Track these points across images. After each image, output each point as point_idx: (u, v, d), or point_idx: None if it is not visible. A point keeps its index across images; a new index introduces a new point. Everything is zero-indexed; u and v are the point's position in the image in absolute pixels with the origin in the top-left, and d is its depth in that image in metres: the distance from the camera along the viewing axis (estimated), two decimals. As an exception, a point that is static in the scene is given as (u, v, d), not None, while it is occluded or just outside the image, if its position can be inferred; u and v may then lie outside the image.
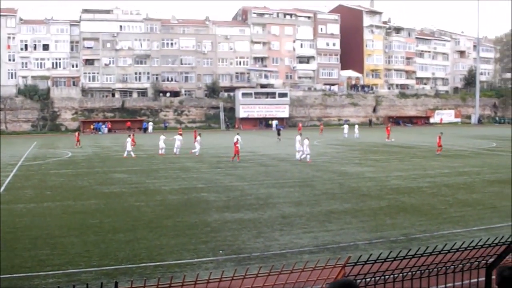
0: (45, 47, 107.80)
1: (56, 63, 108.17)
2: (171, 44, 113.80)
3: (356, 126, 76.97)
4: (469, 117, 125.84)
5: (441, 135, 48.55)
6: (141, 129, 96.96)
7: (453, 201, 23.82)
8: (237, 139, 47.13)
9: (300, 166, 39.12)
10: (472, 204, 23.14)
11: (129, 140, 48.20)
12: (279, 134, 71.74)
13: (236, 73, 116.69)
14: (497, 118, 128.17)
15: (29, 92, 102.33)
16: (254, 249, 15.91)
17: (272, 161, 42.93)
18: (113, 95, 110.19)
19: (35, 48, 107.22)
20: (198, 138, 49.75)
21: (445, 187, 28.08)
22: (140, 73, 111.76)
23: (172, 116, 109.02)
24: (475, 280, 7.29)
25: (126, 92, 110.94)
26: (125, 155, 47.03)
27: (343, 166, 38.92)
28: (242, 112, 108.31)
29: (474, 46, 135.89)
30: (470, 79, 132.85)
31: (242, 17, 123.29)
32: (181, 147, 50.58)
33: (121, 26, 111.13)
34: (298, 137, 44.27)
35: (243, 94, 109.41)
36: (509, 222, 19.33)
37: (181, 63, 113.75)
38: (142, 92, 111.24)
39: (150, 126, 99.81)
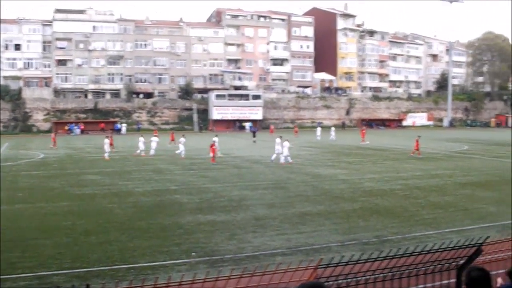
0: (17, 47, 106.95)
1: (28, 63, 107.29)
2: (145, 45, 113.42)
3: (332, 129, 77.17)
4: (441, 120, 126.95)
5: (418, 138, 48.91)
6: (113, 130, 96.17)
7: (425, 203, 23.99)
8: (214, 141, 47.06)
9: (274, 168, 39.15)
10: (444, 206, 23.32)
11: (107, 141, 47.95)
12: (254, 136, 71.73)
13: (210, 74, 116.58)
14: (468, 121, 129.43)
15: (0, 92, 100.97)
16: (227, 251, 15.88)
17: (245, 163, 42.91)
18: (86, 96, 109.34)
19: (6, 48, 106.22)
20: (182, 139, 49.50)
21: (418, 190, 28.28)
22: (113, 74, 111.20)
23: (145, 117, 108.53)
24: (447, 281, 7.35)
25: (99, 93, 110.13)
26: (106, 156, 46.75)
27: (317, 168, 39.02)
28: (216, 114, 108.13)
29: (447, 50, 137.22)
30: (442, 83, 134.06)
31: (216, 19, 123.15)
32: (156, 149, 50.60)
33: (94, 27, 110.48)
34: (278, 140, 44.36)
35: (217, 96, 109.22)
36: (480, 224, 19.54)
37: (155, 65, 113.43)
38: (115, 93, 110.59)
39: (123, 127, 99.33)
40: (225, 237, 17.63)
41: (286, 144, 42.34)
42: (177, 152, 48.81)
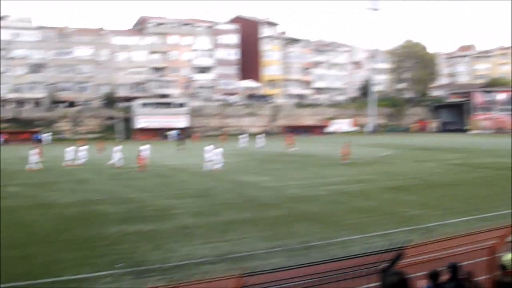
0: None
1: None
2: (67, 53, 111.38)
3: (260, 136, 77.53)
4: (364, 126, 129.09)
5: (348, 144, 49.61)
6: (33, 140, 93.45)
7: (350, 208, 24.30)
8: (142, 150, 46.52)
9: (200, 176, 38.99)
10: (369, 210, 23.67)
11: (34, 151, 46.62)
12: (181, 144, 71.50)
13: (134, 83, 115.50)
14: (391, 127, 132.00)
15: None
16: (153, 261, 15.66)
17: (171, 172, 42.57)
18: (6, 105, 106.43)
19: None
20: (118, 148, 48.57)
21: (342, 195, 28.62)
22: (35, 83, 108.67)
23: (68, 126, 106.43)
24: (373, 285, 7.41)
25: (20, 102, 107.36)
26: (34, 167, 45.50)
27: (242, 175, 39.03)
28: (140, 122, 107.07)
29: (369, 57, 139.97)
30: (365, 89, 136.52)
31: (140, 27, 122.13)
32: (84, 158, 49.92)
33: (14, 34, 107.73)
34: (209, 147, 44.32)
35: (141, 105, 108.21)
36: (404, 227, 19.91)
37: (78, 73, 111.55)
38: (37, 102, 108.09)
39: (46, 137, 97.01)
40: (151, 247, 17.39)
41: (218, 151, 42.42)
42: (110, 162, 48.01)
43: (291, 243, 17.61)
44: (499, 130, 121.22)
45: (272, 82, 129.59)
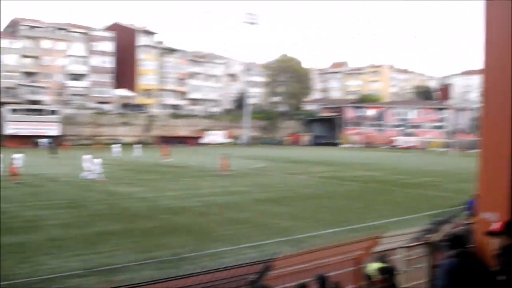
0: None
1: None
2: None
3: (137, 146, 76.69)
4: (239, 138, 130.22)
5: (225, 156, 49.82)
6: None
7: (223, 220, 24.45)
8: (15, 158, 44.47)
9: (70, 186, 37.97)
10: (241, 222, 23.90)
11: None
12: (53, 152, 69.66)
13: (4, 87, 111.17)
14: (265, 140, 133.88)
15: None
16: (20, 275, 15.08)
17: (41, 181, 41.13)
18: None
19: None
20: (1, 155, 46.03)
21: (215, 206, 28.76)
22: None
23: None
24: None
25: None
26: None
27: (115, 186, 38.37)
28: (10, 129, 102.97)
29: (245, 70, 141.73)
30: (240, 101, 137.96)
31: (12, 29, 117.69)
32: None
33: None
34: (87, 156, 43.37)
35: (11, 110, 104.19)
36: (276, 238, 20.25)
37: None
38: None
39: None
40: (17, 261, 16.71)
41: (97, 161, 41.66)
42: None
43: (164, 255, 17.50)
44: (369, 145, 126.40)
45: (147, 92, 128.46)
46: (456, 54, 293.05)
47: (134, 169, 53.34)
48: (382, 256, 8.70)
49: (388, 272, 7.55)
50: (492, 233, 6.44)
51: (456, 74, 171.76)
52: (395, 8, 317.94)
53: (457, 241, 6.60)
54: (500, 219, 6.71)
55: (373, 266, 7.74)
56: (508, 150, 6.81)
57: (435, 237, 10.41)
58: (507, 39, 6.96)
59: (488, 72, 7.34)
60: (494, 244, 6.34)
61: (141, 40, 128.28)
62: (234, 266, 7.09)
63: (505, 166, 6.87)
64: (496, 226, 6.45)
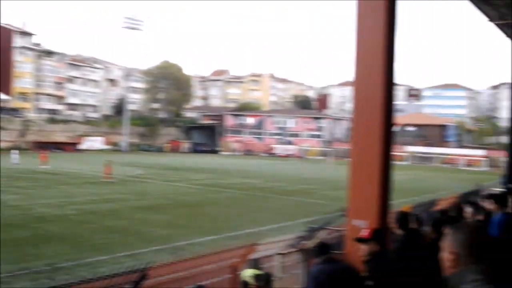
0: None
1: None
2: None
3: (14, 151, 74.00)
4: (118, 144, 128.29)
5: (108, 163, 48.87)
6: None
7: (99, 228, 24.06)
8: None
9: None
10: (118, 230, 23.62)
11: None
12: None
13: None
14: (144, 146, 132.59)
15: None
16: None
17: None
18: None
19: None
20: None
21: (92, 214, 28.24)
22: None
23: None
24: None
25: None
26: None
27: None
28: None
29: (125, 75, 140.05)
30: (120, 107, 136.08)
31: None
32: None
33: None
34: None
35: None
36: (153, 247, 20.13)
37: None
38: None
39: None
40: None
41: None
42: None
43: (38, 265, 16.98)
44: (248, 152, 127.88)
45: (23, 95, 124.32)
46: (334, 65, 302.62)
47: (9, 176, 51.37)
48: (257, 263, 8.87)
49: (263, 279, 7.69)
50: (361, 240, 6.70)
51: (334, 85, 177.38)
52: (278, 17, 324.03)
53: (324, 248, 6.80)
54: (369, 226, 7.00)
55: (248, 273, 7.87)
56: (377, 159, 7.12)
57: (310, 243, 10.70)
58: (377, 52, 7.29)
59: (359, 83, 7.67)
60: (363, 250, 6.58)
61: (18, 41, 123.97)
62: (109, 275, 7.00)
63: (374, 175, 7.17)
64: (365, 233, 6.71)
